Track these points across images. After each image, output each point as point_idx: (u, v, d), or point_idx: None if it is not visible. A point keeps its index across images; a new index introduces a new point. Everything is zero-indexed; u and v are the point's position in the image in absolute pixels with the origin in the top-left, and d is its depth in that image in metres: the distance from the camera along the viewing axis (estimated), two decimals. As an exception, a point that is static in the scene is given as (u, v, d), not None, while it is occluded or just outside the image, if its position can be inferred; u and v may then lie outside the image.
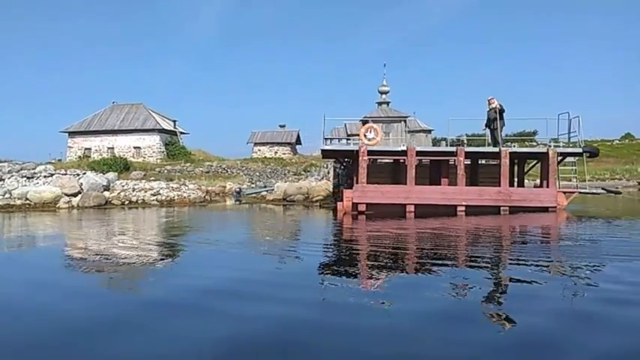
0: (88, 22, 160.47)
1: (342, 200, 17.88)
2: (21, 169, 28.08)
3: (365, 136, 18.90)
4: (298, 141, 61.27)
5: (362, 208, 16.60)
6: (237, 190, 35.28)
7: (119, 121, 55.77)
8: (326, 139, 63.47)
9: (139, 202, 24.65)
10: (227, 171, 52.07)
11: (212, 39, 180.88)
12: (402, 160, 19.66)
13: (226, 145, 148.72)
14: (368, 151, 17.11)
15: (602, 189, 18.38)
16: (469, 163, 19.10)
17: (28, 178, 25.98)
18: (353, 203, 16.68)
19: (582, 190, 17.16)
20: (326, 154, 18.44)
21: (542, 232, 12.56)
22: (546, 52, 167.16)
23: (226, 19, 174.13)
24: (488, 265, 7.50)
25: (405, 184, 17.70)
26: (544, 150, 17.12)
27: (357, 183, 17.01)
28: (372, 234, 11.98)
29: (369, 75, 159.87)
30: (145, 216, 18.91)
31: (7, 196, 22.82)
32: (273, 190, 34.58)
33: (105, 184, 25.64)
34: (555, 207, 16.24)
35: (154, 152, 54.97)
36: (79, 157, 53.89)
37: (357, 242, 10.75)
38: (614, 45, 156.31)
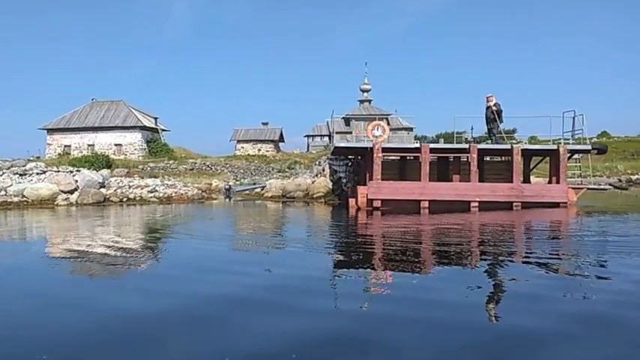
0: (60, 17, 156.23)
1: (354, 196, 17.88)
2: (11, 166, 27.24)
3: (372, 133, 18.90)
4: (281, 138, 60.99)
5: (377, 204, 16.58)
6: (227, 187, 34.87)
7: (99, 118, 54.64)
8: (308, 135, 63.53)
9: (137, 199, 24.19)
10: (211, 168, 51.52)
11: (187, 35, 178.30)
12: (409, 157, 19.79)
13: (207, 143, 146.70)
14: (382, 148, 17.11)
15: (610, 185, 18.77)
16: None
17: (21, 175, 25.23)
18: (368, 199, 16.67)
19: (591, 186, 17.51)
20: (339, 150, 18.39)
21: (570, 227, 12.73)
22: (528, 49, 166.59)
23: (201, 14, 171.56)
24: (545, 260, 7.54)
25: (412, 180, 17.83)
26: (554, 147, 17.38)
27: (371, 179, 16.99)
28: (409, 230, 11.93)
29: (349, 72, 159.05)
30: (162, 213, 18.55)
31: (2, 193, 22.15)
32: (264, 187, 34.45)
33: (100, 181, 25.07)
34: (566, 203, 16.52)
35: (135, 149, 54.02)
36: (59, 154, 52.59)
37: (408, 239, 10.66)
38: (602, 42, 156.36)
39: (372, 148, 17.14)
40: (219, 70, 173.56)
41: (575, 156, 18.32)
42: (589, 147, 17.15)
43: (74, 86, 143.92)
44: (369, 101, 61.33)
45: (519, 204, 16.47)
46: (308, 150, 62.03)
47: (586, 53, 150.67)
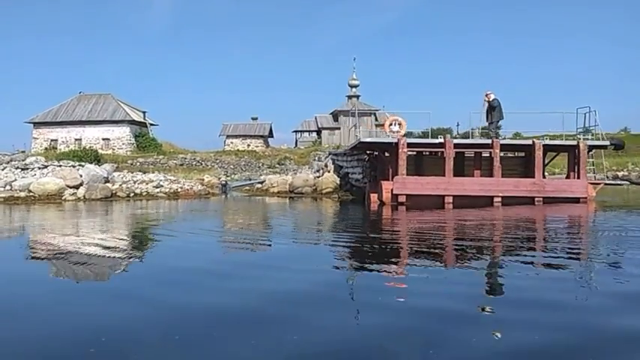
0: (42, 8, 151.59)
1: (375, 191, 17.78)
2: (11, 161, 26.47)
3: (390, 129, 18.80)
4: (270, 134, 60.61)
5: (402, 199, 16.49)
6: (224, 183, 34.40)
7: (87, 112, 53.52)
8: (296, 131, 63.24)
9: (143, 194, 23.67)
10: (201, 164, 50.94)
11: (168, 28, 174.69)
12: (425, 153, 19.74)
13: (193, 137, 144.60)
14: (407, 143, 17.01)
15: (626, 180, 18.99)
16: (488, 155, 19.29)
17: (22, 169, 24.53)
18: (393, 194, 16.57)
19: (608, 182, 17.69)
20: (363, 146, 18.24)
21: (601, 222, 12.80)
22: (525, 44, 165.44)
23: (181, 7, 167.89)
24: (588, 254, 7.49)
25: (428, 175, 17.82)
26: (574, 143, 17.51)
27: (396, 175, 16.88)
28: (453, 225, 11.84)
29: (336, 66, 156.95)
30: (181, 209, 18.15)
31: (7, 188, 21.47)
32: (260, 182, 34.09)
33: (105, 175, 24.47)
34: (586, 198, 16.65)
35: (123, 144, 53.09)
36: (45, 148, 51.36)
37: (454, 234, 10.57)
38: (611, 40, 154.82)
39: (397, 144, 17.02)
40: (205, 63, 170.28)
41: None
42: (607, 142, 17.35)
43: (59, 79, 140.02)
44: (358, 97, 61.27)
45: (541, 199, 16.56)
46: (296, 145, 61.75)
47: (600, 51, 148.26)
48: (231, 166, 51.24)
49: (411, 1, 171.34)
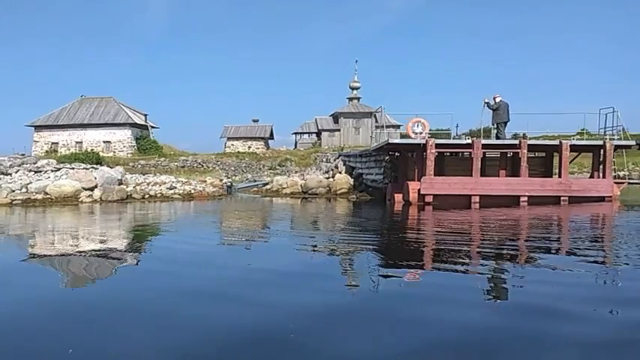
0: (42, 13, 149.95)
1: (400, 192, 17.64)
2: (22, 164, 26.02)
3: (412, 130, 18.65)
4: (271, 135, 60.34)
5: (429, 199, 16.37)
6: (229, 184, 34.13)
7: (88, 115, 53.01)
8: (296, 133, 63.03)
9: (158, 195, 23.37)
10: (202, 166, 50.60)
11: (164, 30, 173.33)
12: (446, 153, 19.63)
13: (193, 139, 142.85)
14: (435, 144, 16.88)
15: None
16: (511, 155, 19.22)
17: (36, 172, 24.13)
18: (420, 194, 16.44)
19: (632, 181, 17.67)
20: (391, 146, 18.08)
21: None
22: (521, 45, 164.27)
23: (179, 9, 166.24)
24: None
25: (449, 175, 17.74)
26: (600, 142, 17.46)
27: (423, 175, 16.76)
28: (500, 224, 11.68)
29: (336, 68, 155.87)
30: (200, 209, 17.87)
31: (23, 190, 21.09)
32: (265, 184, 33.83)
33: (119, 177, 24.17)
34: (611, 197, 16.62)
35: (124, 147, 52.64)
36: (46, 151, 50.80)
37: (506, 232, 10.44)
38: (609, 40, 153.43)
39: (424, 144, 16.90)
40: (204, 66, 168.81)
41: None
42: (632, 142, 17.36)
43: (59, 83, 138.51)
44: (358, 99, 61.14)
45: (566, 198, 16.50)
46: (296, 147, 61.51)
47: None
48: (232, 168, 50.93)
49: (406, 4, 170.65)
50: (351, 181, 24.82)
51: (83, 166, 26.26)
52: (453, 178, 16.92)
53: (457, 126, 20.20)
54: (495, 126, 18.41)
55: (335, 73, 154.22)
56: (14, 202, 19.83)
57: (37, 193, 20.89)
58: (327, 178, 26.54)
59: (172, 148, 59.57)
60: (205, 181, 31.34)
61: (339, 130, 59.70)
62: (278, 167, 51.48)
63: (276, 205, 20.45)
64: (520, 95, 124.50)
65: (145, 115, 57.11)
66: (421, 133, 18.59)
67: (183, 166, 49.24)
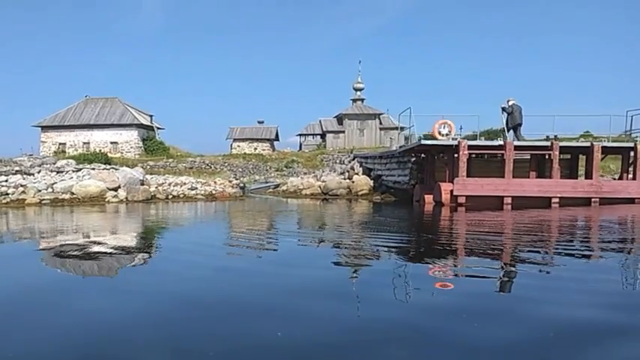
0: (44, 13, 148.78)
1: (430, 193, 17.73)
2: (42, 164, 25.96)
3: (439, 132, 18.73)
4: (277, 137, 60.34)
5: (462, 200, 16.46)
6: (242, 186, 34.13)
7: (94, 116, 52.80)
8: (301, 134, 63.01)
9: (181, 196, 23.37)
10: (210, 167, 50.54)
11: (159, 31, 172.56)
12: (473, 155, 19.71)
13: (196, 141, 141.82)
14: (468, 145, 16.98)
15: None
16: (538, 157, 19.36)
17: (57, 172, 24.08)
18: (452, 195, 16.54)
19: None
20: (422, 148, 18.13)
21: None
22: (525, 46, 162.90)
23: (180, 10, 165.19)
24: None
25: (475, 176, 17.82)
26: (631, 144, 17.60)
27: (456, 176, 16.84)
28: (547, 226, 11.75)
29: (339, 68, 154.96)
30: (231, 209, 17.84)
31: (49, 190, 21.04)
32: (277, 185, 33.84)
33: (141, 178, 24.14)
34: (640, 198, 16.81)
35: (131, 147, 52.45)
36: (54, 152, 50.51)
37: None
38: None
39: (457, 146, 17.00)
40: (207, 67, 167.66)
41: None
42: (663, 143, 17.55)
43: (62, 83, 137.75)
44: (362, 100, 61.20)
45: (597, 200, 16.64)
46: (300, 149, 61.48)
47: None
48: (240, 169, 50.86)
49: (404, 4, 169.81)
50: (371, 182, 24.90)
51: (103, 166, 26.20)
52: (486, 180, 17.01)
53: (461, 128, 20.11)
54: (507, 129, 18.59)
55: (338, 74, 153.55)
56: (43, 202, 19.78)
57: (63, 193, 20.84)
58: (344, 179, 26.62)
59: (177, 149, 59.45)
60: (224, 182, 31.44)
61: (343, 132, 59.75)
62: (285, 169, 51.46)
63: (302, 205, 20.42)
64: (521, 97, 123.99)
65: (151, 116, 56.95)
66: (448, 134, 18.70)
67: (191, 167, 49.13)
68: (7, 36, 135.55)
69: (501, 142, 17.25)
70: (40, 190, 20.78)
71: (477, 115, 20.97)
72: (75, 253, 7.84)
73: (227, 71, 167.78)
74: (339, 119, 60.76)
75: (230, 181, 35.18)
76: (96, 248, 8.33)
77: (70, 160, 27.03)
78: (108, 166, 25.82)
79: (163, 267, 6.81)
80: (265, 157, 54.99)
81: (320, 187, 26.10)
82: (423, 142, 17.34)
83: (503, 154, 17.01)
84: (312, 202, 21.83)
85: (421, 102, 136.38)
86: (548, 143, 17.43)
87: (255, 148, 56.95)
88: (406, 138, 61.75)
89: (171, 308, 4.63)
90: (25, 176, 22.67)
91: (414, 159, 20.11)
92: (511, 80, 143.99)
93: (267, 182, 38.21)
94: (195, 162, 50.92)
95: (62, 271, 6.62)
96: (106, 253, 7.84)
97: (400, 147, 20.50)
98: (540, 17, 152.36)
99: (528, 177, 18.24)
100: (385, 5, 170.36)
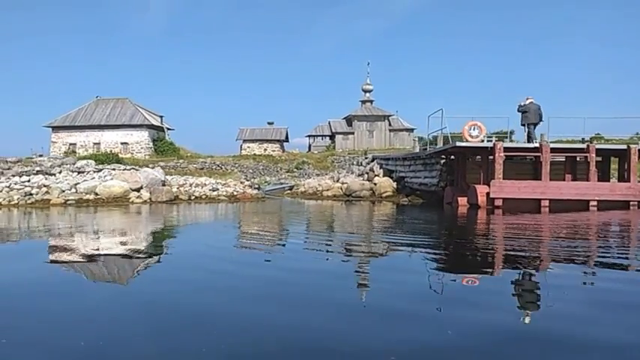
0: (52, 10, 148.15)
1: (464, 195, 17.37)
2: (62, 164, 25.59)
3: (469, 133, 18.37)
4: (286, 138, 60.02)
5: (498, 202, 16.11)
6: (257, 187, 33.77)
7: (105, 116, 52.52)
8: (309, 136, 62.69)
9: (203, 197, 22.99)
10: (221, 168, 50.22)
11: (166, 32, 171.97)
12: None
13: (204, 141, 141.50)
14: (504, 147, 16.63)
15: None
16: (563, 160, 19.03)
17: (79, 172, 23.72)
18: (489, 198, 16.19)
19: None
20: (457, 149, 17.77)
21: None
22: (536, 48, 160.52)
23: (180, 11, 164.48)
24: None
25: (506, 178, 17.48)
26: (667, 146, 17.28)
27: (493, 178, 16.48)
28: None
29: (346, 68, 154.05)
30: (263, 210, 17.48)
31: (73, 190, 20.68)
32: (292, 186, 33.50)
33: (162, 178, 23.78)
34: (678, 201, 16.43)
35: (142, 148, 52.17)
36: (64, 152, 50.22)
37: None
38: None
39: (492, 148, 16.65)
40: (213, 67, 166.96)
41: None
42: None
43: (71, 83, 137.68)
44: (371, 101, 60.90)
45: (636, 203, 16.28)
46: (309, 150, 61.18)
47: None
48: (250, 170, 50.53)
49: (414, 4, 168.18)
50: (394, 184, 24.54)
51: (122, 167, 25.85)
52: (522, 182, 16.65)
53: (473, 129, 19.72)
54: (527, 128, 18.31)
55: (346, 75, 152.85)
56: (68, 203, 19.42)
57: (87, 193, 20.50)
58: (365, 181, 26.26)
59: (185, 150, 59.12)
60: (237, 183, 31.03)
61: (352, 133, 59.45)
62: (295, 170, 51.14)
63: (329, 207, 20.02)
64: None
65: (161, 117, 56.68)
66: (477, 136, 18.33)
67: (202, 168, 48.85)
68: (16, 37, 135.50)
69: (537, 145, 16.88)
70: (63, 191, 20.43)
71: (507, 117, 20.53)
72: (93, 253, 7.74)
73: (234, 72, 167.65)
74: (348, 120, 60.46)
75: (242, 182, 34.92)
76: (121, 249, 8.02)
77: (90, 161, 26.67)
78: (128, 167, 25.45)
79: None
80: (275, 159, 54.67)
81: (341, 188, 25.73)
82: (458, 143, 16.96)
83: (537, 156, 16.64)
84: (337, 204, 21.43)
85: (428, 103, 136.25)
86: (584, 146, 17.06)
87: (265, 149, 56.61)
88: (421, 139, 61.16)
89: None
90: (47, 176, 22.32)
91: (443, 161, 19.73)
92: (521, 81, 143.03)
93: (281, 184, 37.89)
94: (205, 163, 50.60)
95: (74, 272, 6.45)
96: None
97: (423, 148, 20.12)
98: (549, 18, 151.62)
99: (563, 179, 17.85)
100: (395, 5, 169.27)
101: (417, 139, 32.83)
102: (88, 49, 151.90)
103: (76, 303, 4.79)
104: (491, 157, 17.21)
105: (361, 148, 55.26)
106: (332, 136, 60.59)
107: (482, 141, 17.56)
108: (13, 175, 22.53)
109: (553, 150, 16.81)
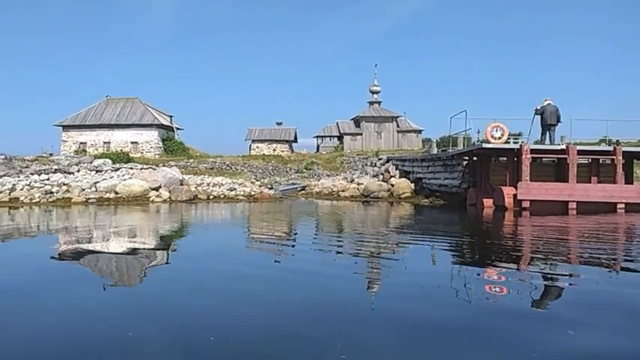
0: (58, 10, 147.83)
1: (490, 197, 17.23)
2: (79, 162, 25.51)
3: (491, 135, 18.20)
4: (295, 139, 59.88)
5: (525, 204, 15.94)
6: (269, 187, 33.65)
7: (115, 116, 52.43)
8: (318, 136, 62.49)
9: (221, 197, 22.86)
10: (230, 167, 50.07)
11: (172, 32, 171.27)
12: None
13: (212, 141, 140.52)
14: (530, 149, 16.47)
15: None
16: (585, 162, 18.84)
17: (97, 171, 23.62)
18: (516, 200, 16.03)
19: None
20: (483, 151, 17.58)
21: None
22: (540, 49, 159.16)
23: (194, 10, 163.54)
24: None
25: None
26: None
27: (519, 180, 16.33)
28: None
29: (353, 69, 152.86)
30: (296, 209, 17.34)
31: (92, 189, 20.57)
32: (304, 187, 33.37)
33: (180, 178, 23.67)
34: None
35: (151, 147, 52.03)
36: (75, 151, 50.15)
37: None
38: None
39: (519, 150, 16.50)
40: (221, 67, 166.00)
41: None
42: None
43: (80, 83, 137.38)
44: (379, 103, 60.69)
45: (663, 206, 16.13)
46: (317, 150, 60.99)
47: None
48: (260, 170, 50.38)
49: (423, 4, 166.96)
50: (412, 185, 24.40)
51: (140, 166, 25.76)
52: (550, 184, 16.50)
53: (478, 132, 19.50)
54: (542, 130, 18.14)
55: (354, 75, 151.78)
56: (89, 201, 19.32)
57: (107, 192, 20.39)
58: (381, 181, 26.12)
59: (194, 150, 59.00)
60: (253, 183, 30.90)
61: (360, 134, 59.26)
62: (305, 170, 50.94)
63: (349, 207, 19.86)
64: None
65: (171, 117, 56.61)
66: (500, 137, 18.16)
67: (212, 168, 48.67)
68: (25, 36, 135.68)
69: (564, 147, 16.72)
70: (83, 189, 20.33)
71: (529, 118, 20.28)
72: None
73: (241, 73, 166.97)
74: (356, 121, 60.29)
75: (252, 182, 34.80)
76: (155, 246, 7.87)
77: (107, 160, 26.57)
78: (145, 166, 25.36)
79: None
80: (284, 159, 54.48)
81: (358, 189, 25.61)
82: (485, 145, 16.79)
83: (559, 158, 16.49)
84: (357, 205, 21.27)
85: (436, 104, 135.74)
86: (610, 148, 16.91)
87: (274, 150, 56.44)
88: (429, 140, 60.70)
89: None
90: (65, 175, 22.23)
91: (465, 162, 19.57)
92: (532, 82, 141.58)
93: (293, 184, 37.72)
94: (215, 163, 50.46)
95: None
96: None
97: (442, 149, 19.94)
98: (554, 19, 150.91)
99: (587, 181, 17.68)
100: (403, 6, 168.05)
101: (434, 141, 32.59)
102: (96, 49, 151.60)
103: (88, 300, 4.80)
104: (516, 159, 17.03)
105: (369, 149, 55.10)
106: (340, 137, 60.41)
107: (508, 142, 17.37)
108: (32, 174, 22.47)
109: (579, 152, 16.64)
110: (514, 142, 17.63)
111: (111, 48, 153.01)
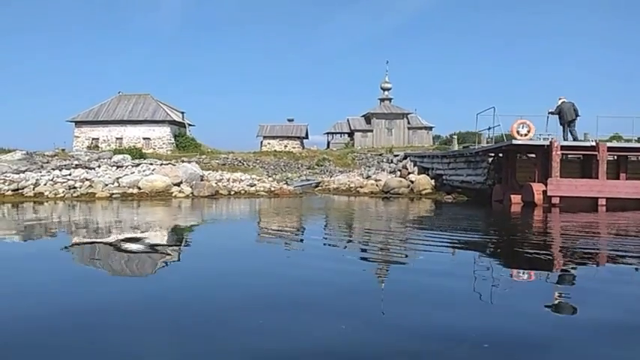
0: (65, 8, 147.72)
1: (518, 193, 17.04)
2: (99, 158, 25.44)
3: (517, 131, 18.00)
4: (306, 135, 59.74)
5: (555, 200, 15.76)
6: (285, 183, 33.52)
7: (127, 112, 52.40)
8: (328, 133, 62.29)
9: (242, 192, 22.73)
10: (242, 164, 49.94)
11: (178, 27, 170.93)
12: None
13: (221, 137, 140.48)
14: (560, 146, 16.28)
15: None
16: (612, 159, 18.63)
17: (118, 167, 23.56)
18: (546, 196, 15.85)
19: None
20: (512, 147, 17.40)
21: None
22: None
23: (201, 8, 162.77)
24: None
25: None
26: None
27: (549, 177, 16.16)
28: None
29: (363, 65, 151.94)
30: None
31: (115, 185, 20.50)
32: (318, 183, 33.24)
33: (200, 174, 23.58)
34: None
35: (164, 144, 51.97)
36: (87, 147, 50.15)
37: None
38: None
39: (550, 146, 16.30)
40: (230, 64, 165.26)
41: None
42: None
43: (92, 79, 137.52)
44: (390, 99, 60.45)
45: (695, 202, 15.89)
46: (328, 147, 60.83)
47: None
48: (272, 167, 50.29)
49: (429, 3, 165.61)
50: (432, 181, 24.22)
51: (159, 161, 25.70)
52: (580, 180, 16.31)
53: (489, 128, 19.29)
54: (563, 129, 17.97)
55: (365, 72, 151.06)
56: (113, 196, 19.23)
57: (129, 187, 20.32)
58: (401, 177, 25.94)
59: (205, 146, 58.94)
60: (261, 179, 30.66)
61: (371, 131, 59.06)
62: (316, 167, 50.80)
63: (371, 203, 19.69)
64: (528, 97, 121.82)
65: (182, 113, 56.52)
66: (526, 134, 17.96)
67: (224, 164, 48.50)
68: (36, 33, 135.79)
69: (593, 143, 16.52)
70: (106, 185, 20.25)
71: (546, 116, 20.01)
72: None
73: (252, 69, 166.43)
74: (367, 118, 60.08)
75: (266, 179, 34.59)
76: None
77: (126, 155, 26.52)
78: (165, 162, 25.28)
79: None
80: (296, 155, 54.30)
81: (377, 185, 25.44)
82: (514, 141, 16.61)
83: (585, 155, 16.30)
84: (378, 201, 21.07)
85: (447, 101, 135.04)
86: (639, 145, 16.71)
87: (286, 146, 56.28)
88: (438, 137, 60.13)
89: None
90: (87, 170, 22.16)
91: (491, 158, 19.38)
92: (543, 80, 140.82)
93: (307, 180, 37.60)
94: (227, 159, 50.34)
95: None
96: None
97: (465, 146, 19.75)
98: (560, 17, 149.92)
99: (614, 178, 17.48)
100: (413, 3, 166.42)
101: (455, 137, 32.31)
102: (107, 46, 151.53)
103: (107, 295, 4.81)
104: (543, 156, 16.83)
105: (380, 145, 54.86)
106: (350, 134, 60.21)
107: (539, 138, 17.19)
108: (53, 169, 22.42)
109: (610, 149, 16.44)
110: (543, 139, 17.40)
111: (122, 45, 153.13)
